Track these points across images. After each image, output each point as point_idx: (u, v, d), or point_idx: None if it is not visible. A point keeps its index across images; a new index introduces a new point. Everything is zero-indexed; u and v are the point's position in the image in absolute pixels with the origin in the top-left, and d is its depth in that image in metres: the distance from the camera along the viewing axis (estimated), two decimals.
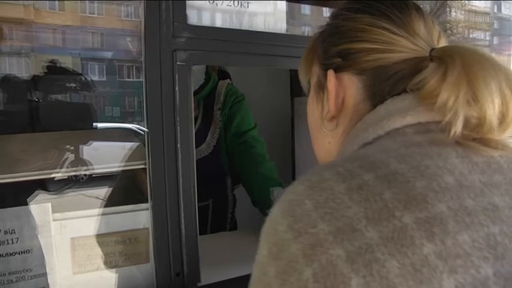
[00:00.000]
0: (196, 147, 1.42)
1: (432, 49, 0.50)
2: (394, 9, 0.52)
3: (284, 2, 1.09)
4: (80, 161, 1.09)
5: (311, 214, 0.37)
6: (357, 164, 0.41)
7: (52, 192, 1.07)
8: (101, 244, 0.90)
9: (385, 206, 0.36)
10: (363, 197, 0.37)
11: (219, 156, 1.54)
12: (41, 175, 0.95)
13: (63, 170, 0.97)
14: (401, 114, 0.47)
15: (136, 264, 0.93)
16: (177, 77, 0.91)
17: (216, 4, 1.00)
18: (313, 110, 0.61)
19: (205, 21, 0.99)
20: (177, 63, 0.91)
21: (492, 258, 0.35)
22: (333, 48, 0.55)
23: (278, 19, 1.06)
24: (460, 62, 0.45)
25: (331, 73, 0.55)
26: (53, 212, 0.87)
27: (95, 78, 1.26)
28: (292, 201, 0.39)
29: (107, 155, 1.07)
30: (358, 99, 0.53)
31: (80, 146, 1.07)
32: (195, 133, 1.40)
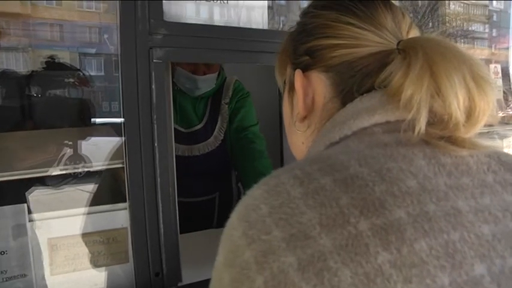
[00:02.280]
0: (204, 141, 1.51)
1: (399, 42, 0.49)
2: (359, 4, 0.52)
3: None
4: (77, 157, 1.09)
5: (265, 220, 0.36)
6: (316, 167, 0.39)
7: (49, 187, 1.07)
8: (79, 244, 0.89)
9: (340, 212, 0.35)
10: (318, 202, 0.36)
11: (226, 150, 1.57)
12: (38, 173, 0.94)
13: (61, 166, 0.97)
14: (369, 113, 0.46)
15: (115, 264, 0.93)
16: (153, 74, 0.90)
17: None
18: (287, 111, 0.60)
19: (183, 17, 0.97)
20: (154, 60, 0.90)
21: (449, 267, 0.34)
22: (301, 47, 0.55)
23: (259, 14, 1.05)
24: (423, 54, 0.43)
25: (297, 73, 0.54)
26: (45, 210, 0.86)
27: (93, 73, 1.26)
28: (249, 206, 0.38)
29: (101, 151, 1.07)
30: (327, 98, 0.52)
31: (78, 142, 1.07)
32: (203, 127, 1.51)
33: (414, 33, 0.53)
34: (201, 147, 1.50)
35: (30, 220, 0.86)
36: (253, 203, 0.38)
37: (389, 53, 0.48)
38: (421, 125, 0.41)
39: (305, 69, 0.54)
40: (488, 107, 0.43)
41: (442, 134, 0.43)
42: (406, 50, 0.46)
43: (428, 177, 0.39)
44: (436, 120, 0.43)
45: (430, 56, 0.43)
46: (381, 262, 0.32)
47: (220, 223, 1.56)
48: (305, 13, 0.57)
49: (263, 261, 0.34)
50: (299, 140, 0.58)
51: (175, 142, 1.41)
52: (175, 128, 1.36)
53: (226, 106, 1.55)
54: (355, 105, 0.48)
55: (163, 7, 0.93)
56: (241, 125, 1.57)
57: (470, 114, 0.43)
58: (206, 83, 1.47)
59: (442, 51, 0.43)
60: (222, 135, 1.54)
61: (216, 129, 1.54)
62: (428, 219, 0.35)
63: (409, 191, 0.37)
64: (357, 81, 0.49)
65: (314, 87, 0.53)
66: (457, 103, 0.41)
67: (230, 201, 1.64)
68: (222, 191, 1.61)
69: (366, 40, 0.49)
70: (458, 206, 0.37)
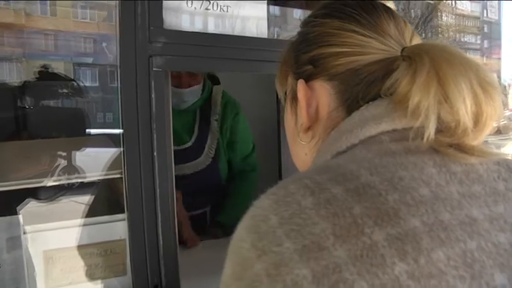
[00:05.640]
0: (194, 159, 1.48)
1: (403, 48, 0.49)
2: (362, 12, 0.52)
3: (265, 6, 1.09)
4: (71, 168, 1.07)
5: (276, 231, 0.35)
6: (326, 176, 0.39)
7: (43, 200, 1.06)
8: (75, 257, 0.88)
9: (354, 222, 0.34)
10: (331, 212, 0.35)
11: (218, 165, 1.54)
12: (32, 183, 0.93)
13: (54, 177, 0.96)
14: (376, 121, 0.46)
15: (113, 276, 0.91)
16: (153, 83, 0.90)
17: (195, 8, 0.99)
18: (289, 122, 0.60)
19: (183, 25, 0.97)
20: (154, 69, 0.90)
21: (469, 278, 0.33)
22: (304, 56, 0.54)
23: (259, 23, 1.06)
24: (429, 60, 0.43)
25: (300, 82, 0.54)
26: (39, 221, 0.85)
27: (88, 83, 1.25)
28: (257, 217, 0.38)
29: (96, 162, 1.06)
30: (331, 107, 0.52)
31: (73, 153, 1.06)
32: (193, 145, 1.49)
33: (417, 40, 0.53)
34: (190, 166, 1.48)
35: (25, 232, 0.84)
36: (262, 213, 0.37)
37: (394, 60, 0.48)
38: (431, 131, 0.41)
39: (308, 78, 0.54)
40: (495, 112, 0.43)
41: (450, 141, 0.42)
42: (412, 56, 0.46)
43: (441, 186, 0.39)
44: (444, 127, 0.43)
45: (437, 62, 0.43)
46: (398, 273, 0.32)
47: (214, 235, 1.53)
48: (306, 22, 0.57)
49: (275, 274, 0.34)
50: (303, 151, 0.57)
51: None
52: None
53: (216, 122, 1.54)
54: (361, 113, 0.48)
55: (165, 19, 0.93)
56: (242, 154, 1.60)
57: (477, 120, 0.43)
58: (192, 95, 1.47)
59: (448, 57, 0.43)
60: (213, 153, 1.52)
61: (206, 148, 1.52)
62: (443, 228, 0.35)
63: (423, 199, 0.36)
64: (362, 89, 0.49)
65: (318, 97, 0.53)
66: (464, 109, 0.41)
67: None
68: (214, 204, 1.59)
69: (370, 47, 0.49)
70: (473, 215, 0.37)
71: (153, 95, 0.90)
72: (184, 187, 1.40)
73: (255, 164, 1.64)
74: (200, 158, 1.50)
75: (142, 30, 0.89)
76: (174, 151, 1.42)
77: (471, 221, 0.37)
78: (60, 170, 1.00)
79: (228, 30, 1.03)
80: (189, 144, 1.50)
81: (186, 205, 1.45)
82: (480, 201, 0.39)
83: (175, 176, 1.39)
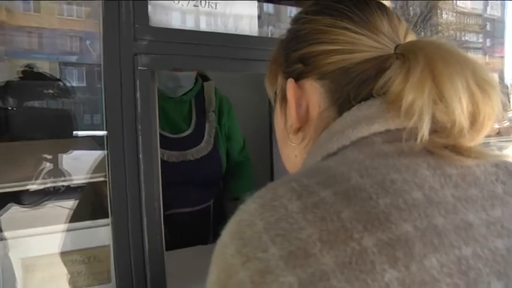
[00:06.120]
0: (195, 146, 1.52)
1: (397, 46, 0.47)
2: (354, 9, 0.50)
3: (255, 3, 1.06)
4: (57, 172, 1.05)
5: (261, 236, 0.34)
6: (314, 179, 0.38)
7: (27, 205, 1.03)
8: (57, 264, 0.84)
9: (342, 227, 0.33)
10: (319, 216, 0.34)
11: (219, 153, 1.58)
12: (15, 187, 0.91)
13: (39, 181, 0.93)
14: (368, 122, 0.44)
15: (96, 284, 0.88)
16: (138, 83, 0.87)
17: (182, 5, 0.96)
18: (279, 123, 0.59)
19: (173, 23, 0.95)
20: (139, 68, 0.87)
21: (463, 286, 0.32)
22: (294, 54, 0.53)
23: (247, 23, 1.03)
24: (423, 57, 0.42)
25: (290, 82, 0.52)
26: (21, 227, 0.82)
27: (74, 83, 1.22)
28: (242, 222, 0.37)
29: (83, 165, 1.03)
30: (322, 107, 0.51)
31: (59, 155, 1.03)
32: (193, 132, 1.53)
33: (411, 38, 0.52)
34: (194, 152, 1.52)
35: (2, 239, 0.81)
36: (247, 218, 0.36)
37: (387, 58, 0.47)
38: (424, 132, 0.40)
39: (298, 77, 0.52)
40: (493, 112, 0.42)
41: (445, 143, 0.41)
42: (405, 54, 0.45)
43: (435, 189, 0.37)
44: (439, 127, 0.41)
45: (431, 59, 0.42)
46: (388, 280, 0.31)
47: (217, 235, 1.53)
48: (296, 19, 0.56)
49: (260, 282, 0.32)
50: (293, 153, 0.56)
51: (165, 149, 1.41)
52: (162, 135, 1.35)
53: (213, 113, 1.58)
54: (353, 113, 0.46)
55: (153, 16, 0.90)
56: (236, 148, 1.66)
57: (474, 120, 0.41)
58: (188, 81, 1.49)
59: (444, 55, 0.42)
60: (213, 140, 1.56)
61: (206, 135, 1.56)
62: (437, 234, 0.34)
63: (415, 203, 0.35)
64: (354, 88, 0.48)
65: (308, 97, 0.52)
66: (460, 108, 0.40)
67: (224, 210, 1.67)
68: (217, 198, 1.62)
69: (362, 45, 0.48)
70: (468, 219, 0.36)
71: (138, 95, 0.88)
72: (189, 173, 1.49)
73: (248, 153, 1.73)
74: (201, 144, 1.54)
75: (127, 28, 0.87)
76: (175, 139, 1.49)
77: (466, 226, 0.35)
78: (46, 174, 0.97)
79: (219, 29, 1.00)
80: (189, 132, 1.54)
81: (190, 198, 1.51)
82: (477, 205, 0.38)
83: (181, 163, 1.47)
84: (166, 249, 0.92)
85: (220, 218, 1.61)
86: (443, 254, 0.33)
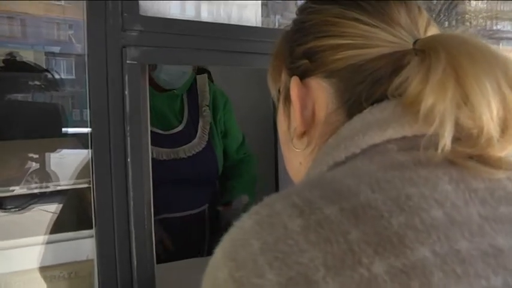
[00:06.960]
0: (187, 142, 1.46)
1: (416, 40, 0.44)
2: None
3: None
4: (43, 174, 0.99)
5: (257, 259, 0.32)
6: (318, 193, 0.35)
7: (8, 210, 0.97)
8: (34, 281, 0.79)
9: (349, 250, 0.31)
10: (323, 237, 0.31)
11: (214, 151, 1.52)
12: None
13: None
14: (382, 127, 0.41)
15: None
16: (127, 78, 0.81)
17: None
18: (282, 126, 0.55)
19: (167, 15, 0.88)
20: (127, 61, 0.81)
21: None
22: (298, 48, 0.50)
23: (252, 12, 0.95)
24: (446, 54, 0.39)
25: (294, 80, 0.49)
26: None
27: (63, 75, 1.15)
28: (236, 241, 0.34)
29: (70, 167, 0.97)
30: (330, 109, 0.47)
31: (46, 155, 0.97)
32: (185, 128, 1.47)
33: (433, 31, 0.48)
34: (186, 149, 1.47)
35: None
36: (242, 237, 0.34)
37: (405, 54, 0.44)
38: (446, 140, 0.37)
39: (303, 75, 0.49)
40: None
41: (471, 152, 0.38)
42: (425, 50, 0.41)
43: (458, 206, 0.34)
44: (463, 135, 0.38)
45: (455, 57, 0.39)
46: None
47: (212, 246, 1.47)
48: (303, 9, 0.52)
49: None
50: (297, 159, 0.52)
51: (156, 146, 1.35)
52: (153, 131, 1.27)
53: (207, 107, 1.54)
54: (364, 117, 0.43)
55: (145, 4, 0.84)
56: (234, 144, 1.61)
57: (506, 127, 0.38)
58: (185, 73, 1.44)
59: (470, 51, 0.39)
60: (207, 136, 1.51)
61: (199, 130, 1.51)
62: (460, 261, 0.31)
63: (435, 223, 0.32)
64: (366, 88, 0.45)
65: (314, 97, 0.48)
66: (489, 114, 0.37)
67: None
68: (212, 203, 1.56)
69: (376, 39, 0.45)
70: (498, 244, 0.33)
71: (126, 92, 0.82)
72: (181, 172, 1.42)
73: (249, 149, 1.67)
74: (194, 141, 1.48)
75: (114, 16, 0.80)
76: (166, 136, 1.43)
77: (496, 252, 0.32)
78: (30, 176, 0.90)
79: (221, 18, 0.93)
80: (180, 128, 1.49)
81: (183, 201, 1.44)
82: (508, 226, 0.34)
83: (173, 161, 1.41)
84: (157, 262, 0.85)
85: (216, 226, 1.55)
86: (467, 286, 0.30)
